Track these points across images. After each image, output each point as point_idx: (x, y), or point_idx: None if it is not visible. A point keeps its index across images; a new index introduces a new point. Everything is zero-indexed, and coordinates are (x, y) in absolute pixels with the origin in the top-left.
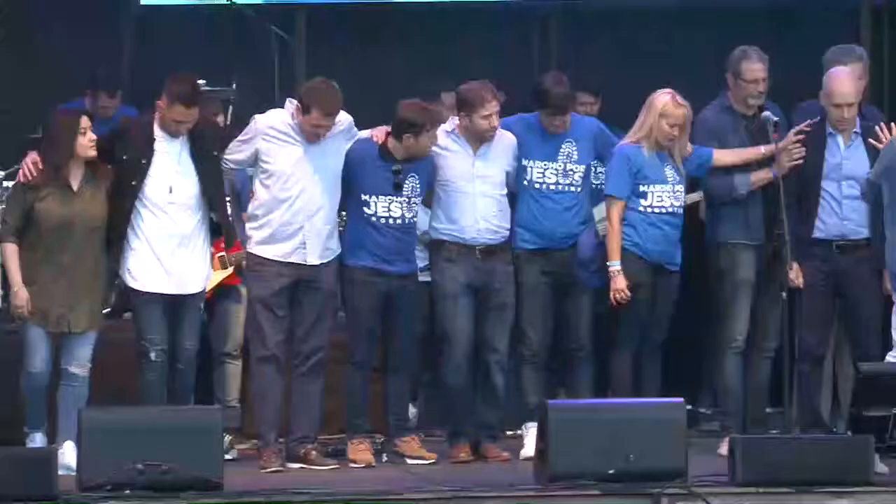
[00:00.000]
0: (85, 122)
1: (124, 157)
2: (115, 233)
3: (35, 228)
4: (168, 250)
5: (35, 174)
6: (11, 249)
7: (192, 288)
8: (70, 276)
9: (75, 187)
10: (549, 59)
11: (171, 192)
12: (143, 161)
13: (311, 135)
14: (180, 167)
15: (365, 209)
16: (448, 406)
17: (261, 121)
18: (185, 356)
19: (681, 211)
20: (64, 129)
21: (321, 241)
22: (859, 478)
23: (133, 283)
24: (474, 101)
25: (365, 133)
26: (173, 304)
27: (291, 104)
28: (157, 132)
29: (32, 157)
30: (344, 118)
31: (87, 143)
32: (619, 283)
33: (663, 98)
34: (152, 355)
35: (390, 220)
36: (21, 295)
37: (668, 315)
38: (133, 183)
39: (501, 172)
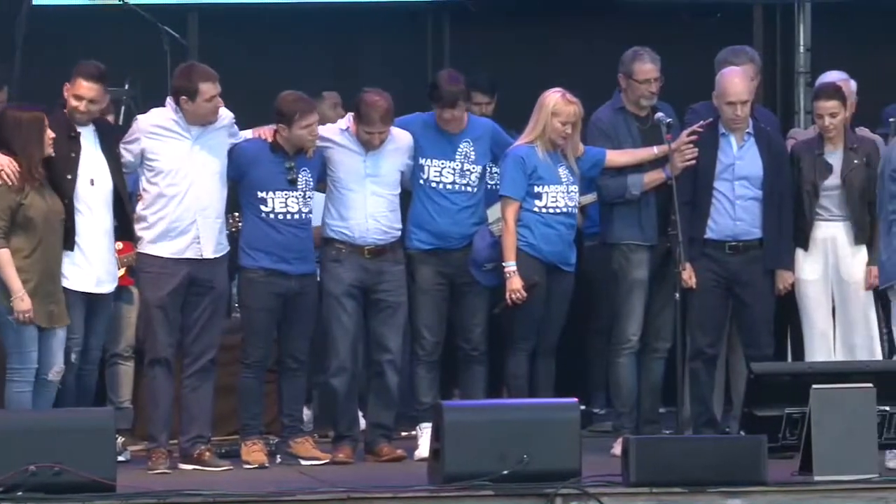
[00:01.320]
0: (45, 119)
1: (52, 154)
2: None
3: (22, 230)
4: (92, 247)
5: (15, 176)
6: (6, 255)
7: (108, 287)
8: (56, 273)
9: (43, 185)
10: (442, 58)
11: (92, 184)
12: (73, 154)
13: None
14: (96, 160)
15: (262, 207)
16: (332, 408)
17: (143, 120)
18: (92, 357)
19: (575, 211)
20: (34, 128)
21: (215, 235)
22: (752, 478)
23: (65, 282)
24: (364, 116)
25: (248, 133)
26: (90, 304)
27: (171, 103)
28: None
29: (6, 160)
30: (225, 114)
31: (49, 140)
32: (515, 284)
33: (553, 97)
34: (73, 357)
35: (287, 216)
36: (27, 300)
37: (562, 315)
38: (69, 177)
39: (394, 172)
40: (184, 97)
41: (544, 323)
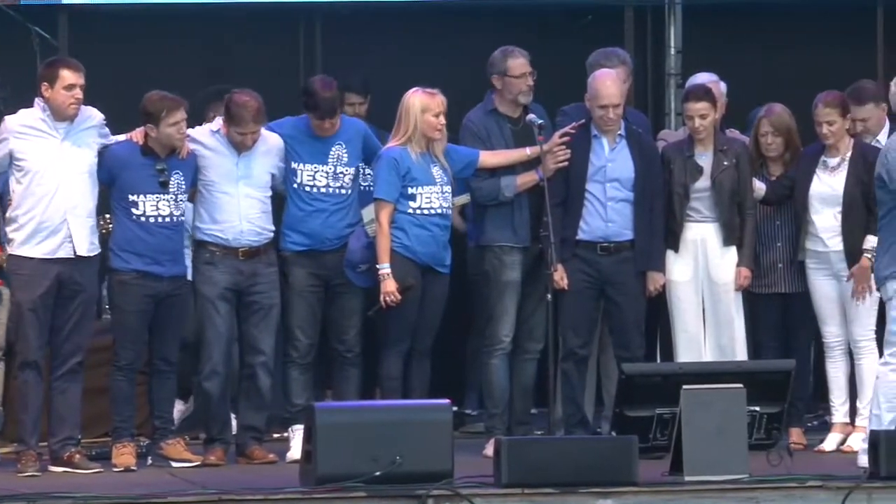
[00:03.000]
0: None
1: None
2: None
3: None
4: None
5: None
6: None
7: None
8: None
9: None
10: (314, 59)
11: None
12: None
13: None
14: None
15: (133, 210)
16: (204, 411)
17: (10, 121)
18: None
19: (449, 212)
20: None
21: (87, 234)
22: (623, 478)
23: None
24: (235, 116)
25: (121, 137)
26: None
27: (39, 102)
28: None
29: None
30: (95, 114)
31: None
32: (389, 286)
33: (416, 95)
34: None
35: (159, 219)
36: None
37: (438, 317)
38: None
39: (265, 174)
40: (45, 84)
41: (419, 324)
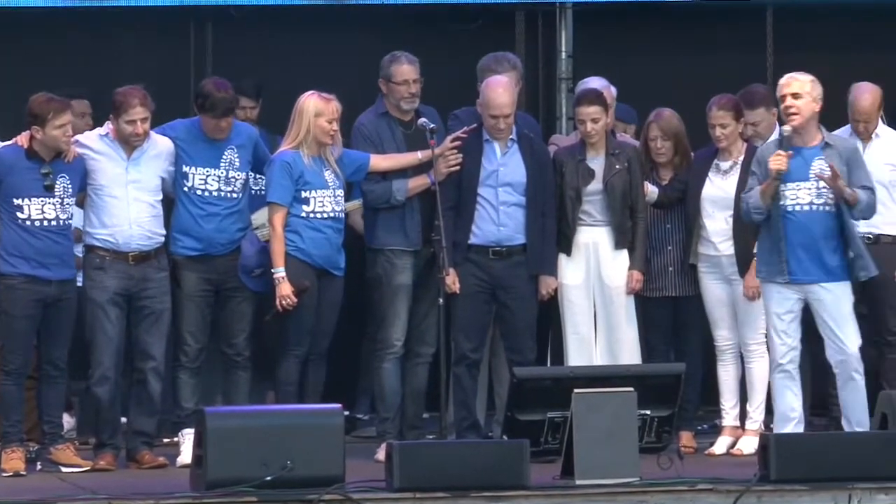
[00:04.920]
0: None
1: None
2: None
3: None
4: None
5: None
6: None
7: None
8: None
9: None
10: (204, 63)
11: None
12: None
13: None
14: None
15: (18, 214)
16: (95, 416)
17: None
18: None
19: (342, 216)
20: None
21: None
22: (514, 482)
23: None
24: (120, 105)
25: (9, 142)
26: None
27: None
28: None
29: None
30: None
31: None
32: (285, 290)
33: (311, 99)
34: None
35: (45, 223)
36: None
37: (333, 320)
38: None
39: (155, 178)
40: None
41: (316, 328)
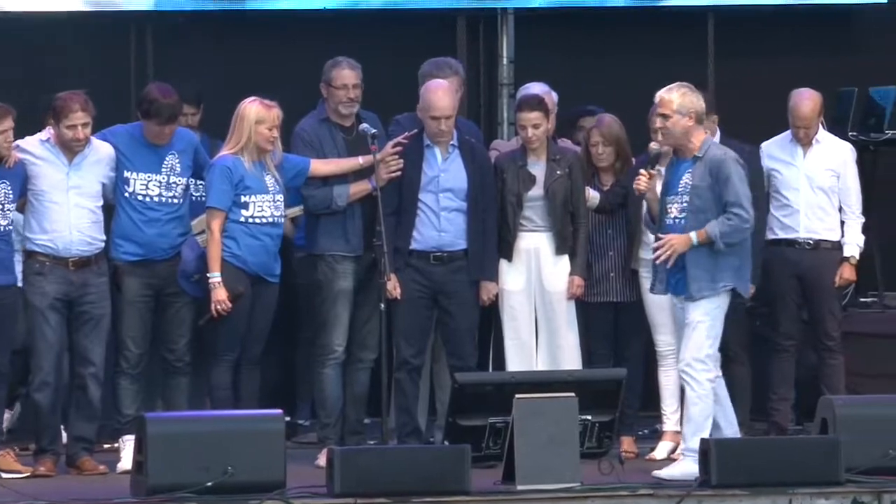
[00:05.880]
0: None
1: None
2: None
3: None
4: None
5: None
6: None
7: None
8: None
9: None
10: (145, 69)
11: None
12: None
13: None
14: None
15: None
16: (34, 421)
17: None
18: None
19: (281, 221)
20: None
21: None
22: (455, 487)
23: None
24: (61, 110)
25: None
26: None
27: None
28: None
29: None
30: None
31: None
32: (220, 295)
33: (252, 105)
34: None
35: None
36: None
37: (267, 326)
38: None
39: (96, 183)
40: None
41: (248, 334)
